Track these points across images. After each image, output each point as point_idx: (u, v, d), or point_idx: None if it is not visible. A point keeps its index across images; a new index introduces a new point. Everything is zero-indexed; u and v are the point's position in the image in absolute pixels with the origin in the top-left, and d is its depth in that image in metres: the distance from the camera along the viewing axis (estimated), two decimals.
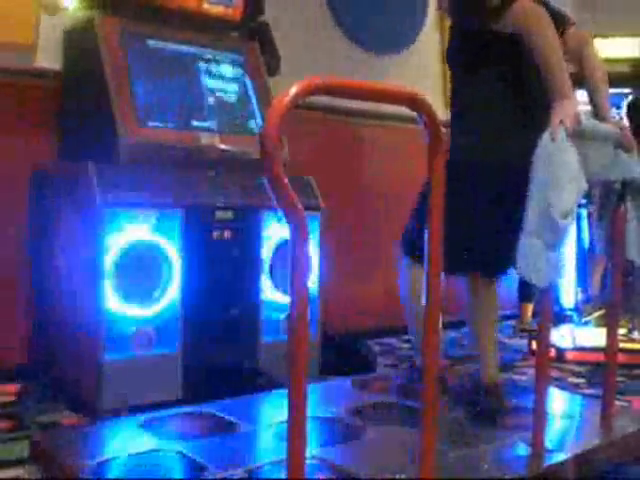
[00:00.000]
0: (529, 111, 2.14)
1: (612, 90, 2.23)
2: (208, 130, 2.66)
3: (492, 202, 2.15)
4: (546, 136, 1.82)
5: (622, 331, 3.47)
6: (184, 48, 2.76)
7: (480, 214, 2.16)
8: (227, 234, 2.57)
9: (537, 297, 1.96)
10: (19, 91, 2.76)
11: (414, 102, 1.38)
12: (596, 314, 3.94)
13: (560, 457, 1.89)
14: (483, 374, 2.33)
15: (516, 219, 1.85)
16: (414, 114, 1.40)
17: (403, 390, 2.41)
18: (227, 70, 2.85)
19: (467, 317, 2.41)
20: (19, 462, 1.95)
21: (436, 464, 1.47)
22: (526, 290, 4.19)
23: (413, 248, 2.23)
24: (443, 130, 1.44)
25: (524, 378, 3.10)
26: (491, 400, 2.27)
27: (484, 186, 2.14)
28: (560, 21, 2.23)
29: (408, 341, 3.83)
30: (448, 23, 2.35)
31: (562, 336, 3.67)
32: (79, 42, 2.69)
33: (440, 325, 1.47)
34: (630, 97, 3.97)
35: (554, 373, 3.10)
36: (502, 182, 2.12)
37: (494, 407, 2.24)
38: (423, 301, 1.46)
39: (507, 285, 2.44)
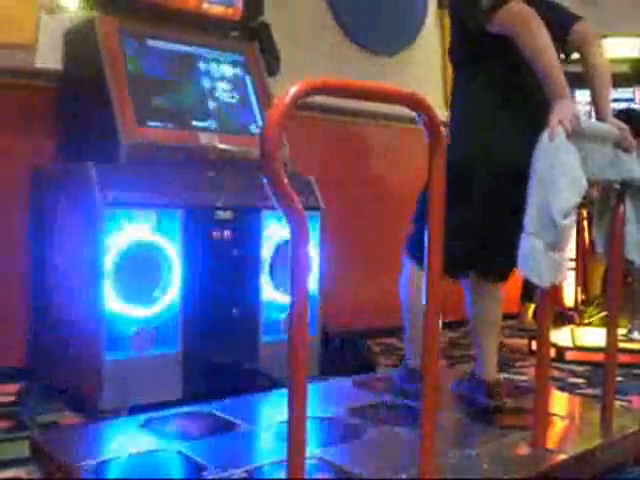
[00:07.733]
0: (525, 112, 2.12)
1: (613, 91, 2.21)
2: (208, 130, 2.66)
3: (492, 203, 2.15)
4: (545, 136, 1.82)
5: (622, 331, 3.47)
6: (184, 48, 2.76)
7: (480, 216, 2.15)
8: (227, 234, 2.57)
9: (537, 297, 1.95)
10: (19, 91, 2.76)
11: (414, 102, 1.38)
12: (597, 315, 3.94)
13: (560, 457, 1.89)
14: (482, 373, 2.34)
15: (516, 221, 1.85)
16: (413, 114, 1.40)
17: (402, 390, 2.41)
18: (227, 70, 2.85)
19: (469, 315, 2.41)
20: (19, 462, 1.95)
21: (436, 464, 1.47)
22: (527, 290, 4.19)
23: (419, 252, 2.20)
24: (443, 130, 1.44)
25: (524, 378, 3.10)
26: (490, 399, 2.28)
27: (483, 187, 2.14)
28: (562, 20, 2.22)
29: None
30: (449, 21, 2.34)
31: (562, 336, 3.68)
32: (79, 42, 2.70)
33: (440, 325, 1.47)
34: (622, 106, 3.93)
35: (554, 373, 3.10)
36: (496, 183, 2.12)
37: (494, 406, 2.24)
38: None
39: (508, 285, 2.43)
